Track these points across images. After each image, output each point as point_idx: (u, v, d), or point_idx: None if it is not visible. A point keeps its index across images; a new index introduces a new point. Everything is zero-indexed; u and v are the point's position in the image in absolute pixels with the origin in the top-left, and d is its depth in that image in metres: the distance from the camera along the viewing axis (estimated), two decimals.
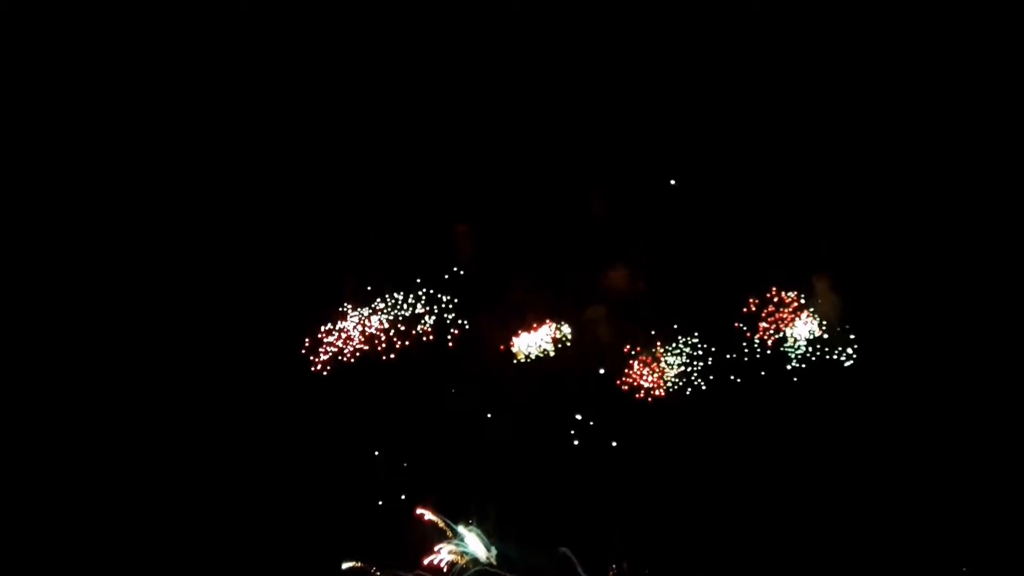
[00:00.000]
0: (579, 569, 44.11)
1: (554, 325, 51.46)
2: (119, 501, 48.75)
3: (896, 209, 51.95)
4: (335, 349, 52.68)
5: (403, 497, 47.87)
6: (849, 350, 51.71)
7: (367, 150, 53.24)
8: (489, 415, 50.15)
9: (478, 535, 44.66)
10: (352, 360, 52.48)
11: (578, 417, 50.78)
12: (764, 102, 51.84)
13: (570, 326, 51.80)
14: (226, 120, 52.28)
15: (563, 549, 44.55)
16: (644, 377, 51.69)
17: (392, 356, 52.67)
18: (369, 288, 53.44)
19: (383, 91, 52.49)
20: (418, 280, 53.43)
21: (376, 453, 50.99)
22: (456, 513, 45.41)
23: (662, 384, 51.50)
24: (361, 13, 50.74)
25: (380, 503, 49.20)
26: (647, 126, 52.36)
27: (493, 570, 44.10)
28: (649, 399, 51.32)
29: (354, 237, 53.42)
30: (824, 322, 52.01)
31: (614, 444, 49.70)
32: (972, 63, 50.36)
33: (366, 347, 52.61)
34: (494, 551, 44.52)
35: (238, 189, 52.74)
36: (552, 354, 51.77)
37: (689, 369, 51.81)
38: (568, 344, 51.92)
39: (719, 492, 48.36)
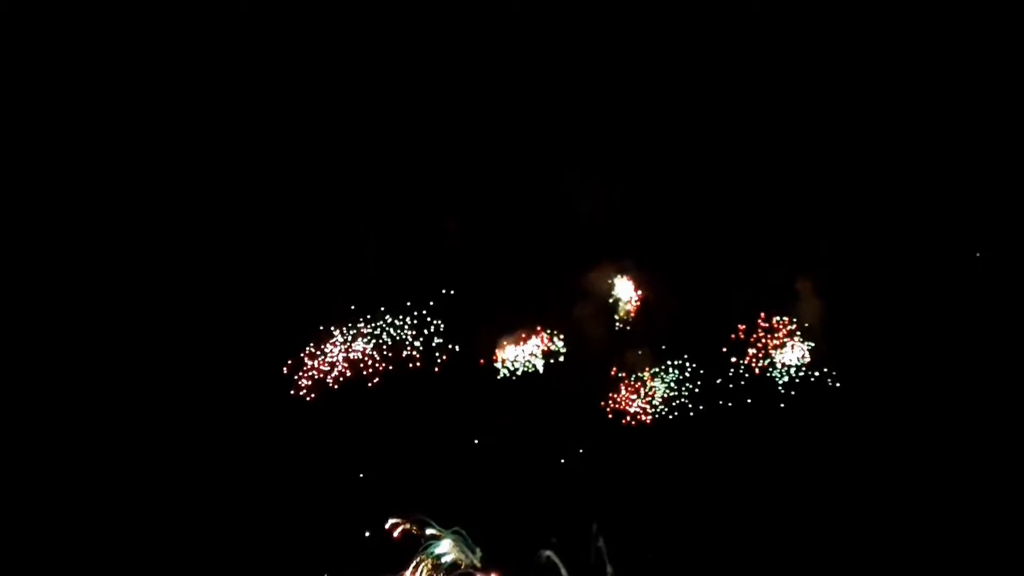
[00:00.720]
0: (562, 571, 43.55)
1: (543, 335, 51.42)
2: (103, 513, 47.99)
3: (884, 229, 52.50)
4: (319, 370, 52.30)
5: (391, 520, 46.93)
6: (835, 372, 51.81)
7: (353, 162, 53.43)
8: (476, 418, 49.74)
9: (463, 538, 43.95)
10: (335, 382, 52.10)
11: (568, 442, 50.61)
12: (759, 113, 52.60)
13: (558, 340, 51.74)
14: (216, 131, 52.72)
15: (547, 552, 44.01)
16: (631, 402, 51.51)
17: (376, 379, 52.33)
18: (353, 307, 53.10)
19: (371, 102, 53.01)
20: (408, 303, 53.29)
21: (361, 475, 50.32)
22: (444, 518, 44.76)
23: (648, 409, 51.30)
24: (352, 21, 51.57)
25: (364, 519, 48.16)
26: (636, 142, 52.90)
27: (478, 571, 43.34)
28: (634, 423, 51.06)
29: (341, 252, 53.40)
30: (811, 344, 52.14)
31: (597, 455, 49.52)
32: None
33: (349, 372, 52.23)
34: (479, 552, 43.81)
35: (222, 203, 52.83)
36: (540, 369, 51.57)
37: (676, 393, 51.66)
38: (557, 359, 51.80)
39: (702, 502, 48.38)
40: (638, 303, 53.02)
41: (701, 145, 52.79)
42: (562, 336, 52.13)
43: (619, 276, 52.68)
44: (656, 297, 53.35)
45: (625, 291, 52.98)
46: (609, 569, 44.61)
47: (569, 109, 52.53)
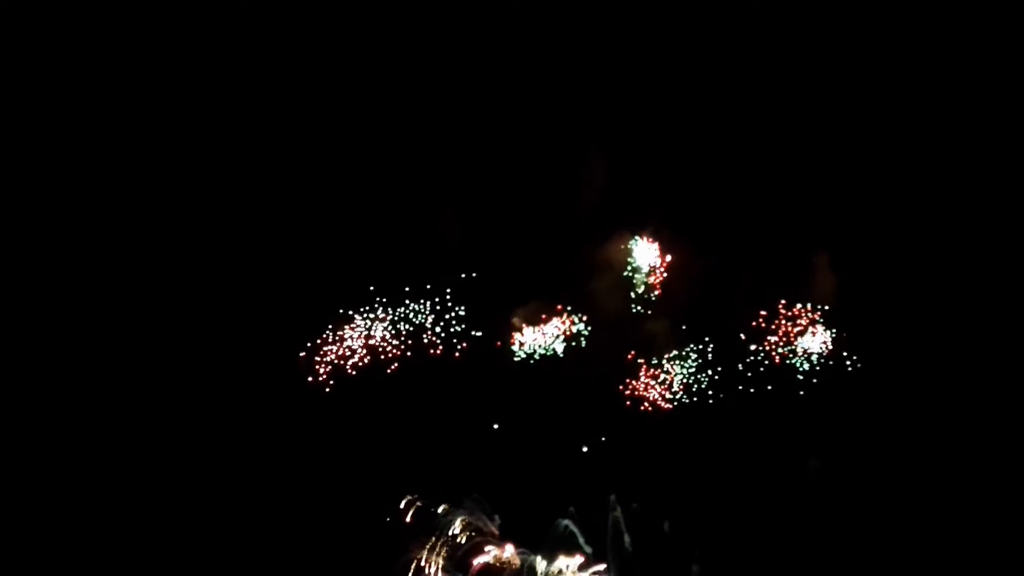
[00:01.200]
0: (580, 541, 43.69)
1: (562, 317, 51.74)
2: (112, 506, 48.13)
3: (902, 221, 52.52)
4: (337, 357, 52.69)
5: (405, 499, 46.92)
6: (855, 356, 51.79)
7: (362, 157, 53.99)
8: (496, 397, 50.08)
9: (481, 505, 44.21)
10: (354, 369, 52.48)
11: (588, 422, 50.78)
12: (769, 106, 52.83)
13: (579, 321, 52.07)
14: (226, 123, 53.37)
15: (565, 522, 44.22)
16: (649, 387, 51.63)
17: (395, 364, 52.70)
18: (371, 288, 53.52)
19: (375, 96, 53.83)
20: (428, 286, 53.75)
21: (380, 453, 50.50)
22: (464, 487, 45.02)
23: (667, 395, 51.43)
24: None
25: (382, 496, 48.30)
26: (652, 130, 53.20)
27: (495, 540, 43.55)
28: (651, 409, 51.17)
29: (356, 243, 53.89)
30: (832, 331, 52.15)
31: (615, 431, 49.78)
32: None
33: (368, 357, 52.62)
34: (497, 520, 44.10)
35: (238, 194, 53.51)
36: (559, 353, 51.85)
37: (694, 373, 51.78)
38: (579, 342, 52.09)
39: (718, 475, 48.47)
40: (659, 280, 53.22)
41: (721, 127, 52.98)
42: (583, 318, 52.42)
43: (639, 257, 52.91)
44: (677, 279, 53.52)
45: (645, 272, 53.24)
46: (626, 539, 44.71)
47: (589, 92, 53.07)
